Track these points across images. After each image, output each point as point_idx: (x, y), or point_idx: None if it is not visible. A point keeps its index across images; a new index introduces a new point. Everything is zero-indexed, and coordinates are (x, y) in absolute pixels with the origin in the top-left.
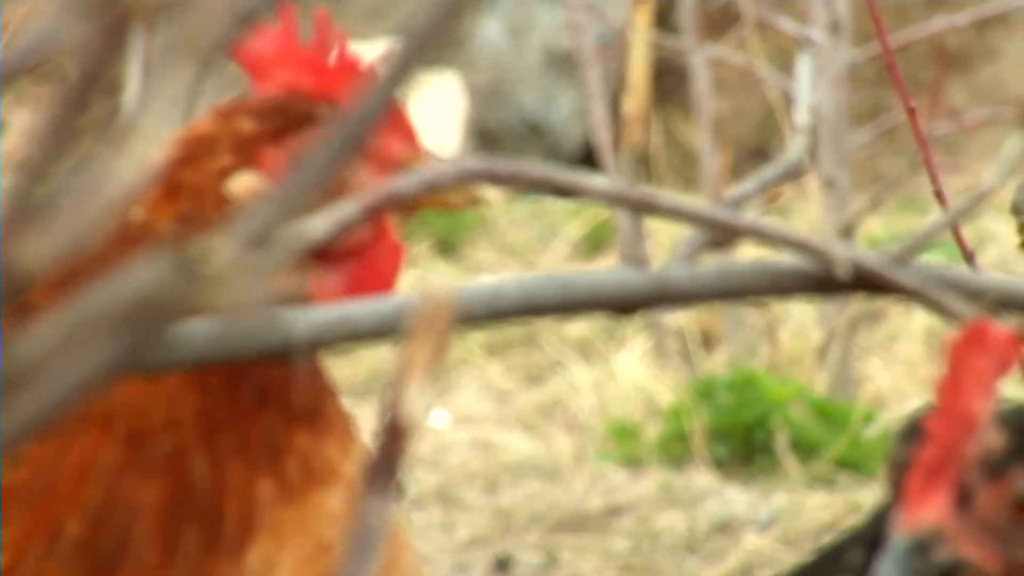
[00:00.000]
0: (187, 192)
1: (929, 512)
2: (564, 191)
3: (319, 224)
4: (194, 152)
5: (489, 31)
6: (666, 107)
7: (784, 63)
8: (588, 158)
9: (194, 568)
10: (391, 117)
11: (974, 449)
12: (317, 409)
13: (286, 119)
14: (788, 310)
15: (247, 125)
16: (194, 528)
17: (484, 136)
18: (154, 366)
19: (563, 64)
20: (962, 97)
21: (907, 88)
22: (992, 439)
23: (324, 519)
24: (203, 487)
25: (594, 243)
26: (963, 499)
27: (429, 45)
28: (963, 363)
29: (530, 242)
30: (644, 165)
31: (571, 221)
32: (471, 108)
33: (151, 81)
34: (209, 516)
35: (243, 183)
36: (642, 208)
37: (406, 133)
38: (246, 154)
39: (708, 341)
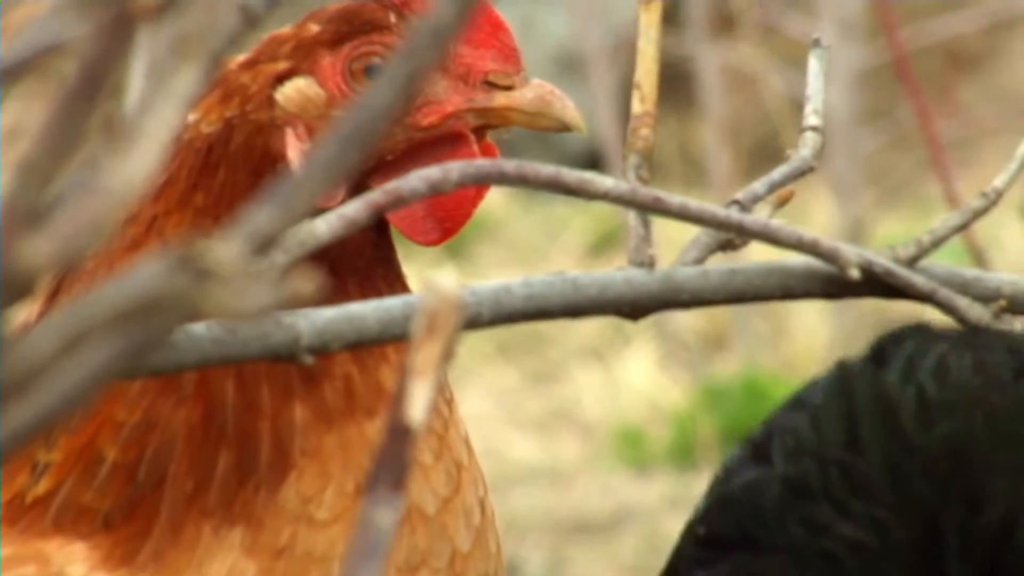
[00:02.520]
0: (238, 95)
1: None
2: (572, 191)
3: (325, 224)
4: (259, 55)
5: None
6: (674, 108)
7: (795, 61)
8: (594, 162)
9: (230, 498)
10: (487, 31)
11: None
12: None
13: (350, 25)
14: (798, 309)
15: (312, 29)
16: (228, 454)
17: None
18: (158, 369)
19: (569, 66)
20: (974, 98)
21: (919, 89)
22: None
23: (369, 451)
24: (233, 411)
25: (602, 245)
26: None
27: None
28: None
29: (537, 243)
30: (652, 166)
31: (578, 223)
32: None
33: (155, 82)
34: (241, 441)
35: (293, 88)
36: (651, 209)
37: (503, 50)
38: (303, 59)
39: (717, 343)
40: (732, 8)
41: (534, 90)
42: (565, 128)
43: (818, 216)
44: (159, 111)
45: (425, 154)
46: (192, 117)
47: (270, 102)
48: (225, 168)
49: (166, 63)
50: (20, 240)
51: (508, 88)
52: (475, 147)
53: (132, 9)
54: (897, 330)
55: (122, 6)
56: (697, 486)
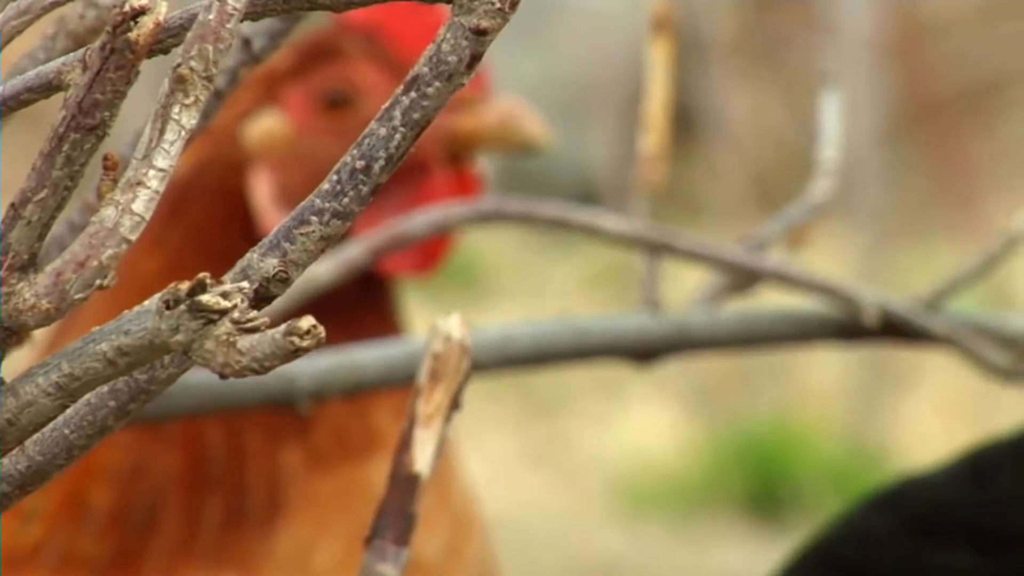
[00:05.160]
0: (209, 136)
1: None
2: (579, 230)
3: (325, 269)
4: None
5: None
6: (683, 144)
7: (812, 99)
8: (587, 197)
9: (219, 544)
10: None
11: None
12: None
13: (311, 55)
14: (816, 358)
15: (280, 61)
16: (216, 499)
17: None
18: (153, 416)
19: (562, 98)
20: (989, 143)
21: (942, 124)
22: None
23: (368, 496)
24: (220, 456)
25: (598, 282)
26: None
27: None
28: None
29: (537, 279)
30: (659, 205)
31: (575, 259)
32: None
33: (156, 120)
34: (230, 486)
35: (260, 123)
36: (660, 249)
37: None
38: (267, 93)
39: (728, 388)
40: (744, 37)
41: (499, 107)
42: (530, 147)
43: (834, 258)
44: (159, 150)
45: (394, 184)
46: None
47: (239, 139)
48: (200, 208)
49: (166, 100)
50: (15, 285)
51: (472, 110)
52: (445, 175)
53: (130, 43)
54: None
55: (119, 40)
56: (701, 536)
